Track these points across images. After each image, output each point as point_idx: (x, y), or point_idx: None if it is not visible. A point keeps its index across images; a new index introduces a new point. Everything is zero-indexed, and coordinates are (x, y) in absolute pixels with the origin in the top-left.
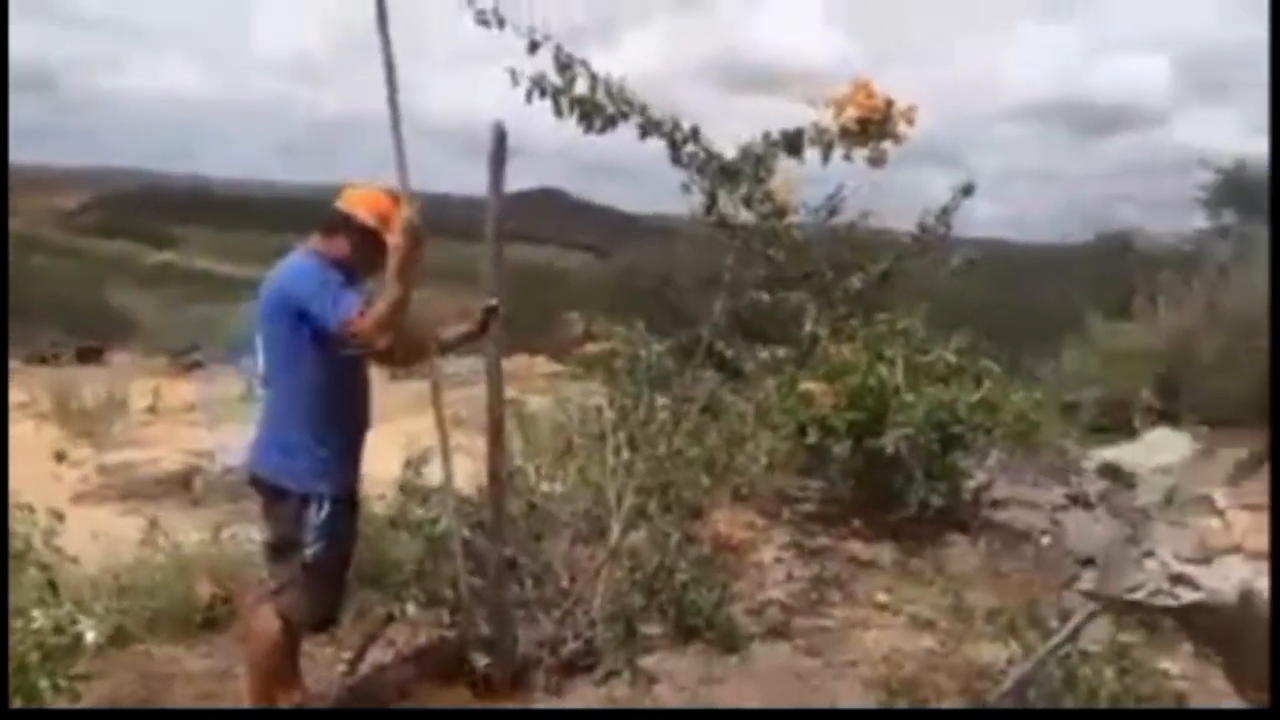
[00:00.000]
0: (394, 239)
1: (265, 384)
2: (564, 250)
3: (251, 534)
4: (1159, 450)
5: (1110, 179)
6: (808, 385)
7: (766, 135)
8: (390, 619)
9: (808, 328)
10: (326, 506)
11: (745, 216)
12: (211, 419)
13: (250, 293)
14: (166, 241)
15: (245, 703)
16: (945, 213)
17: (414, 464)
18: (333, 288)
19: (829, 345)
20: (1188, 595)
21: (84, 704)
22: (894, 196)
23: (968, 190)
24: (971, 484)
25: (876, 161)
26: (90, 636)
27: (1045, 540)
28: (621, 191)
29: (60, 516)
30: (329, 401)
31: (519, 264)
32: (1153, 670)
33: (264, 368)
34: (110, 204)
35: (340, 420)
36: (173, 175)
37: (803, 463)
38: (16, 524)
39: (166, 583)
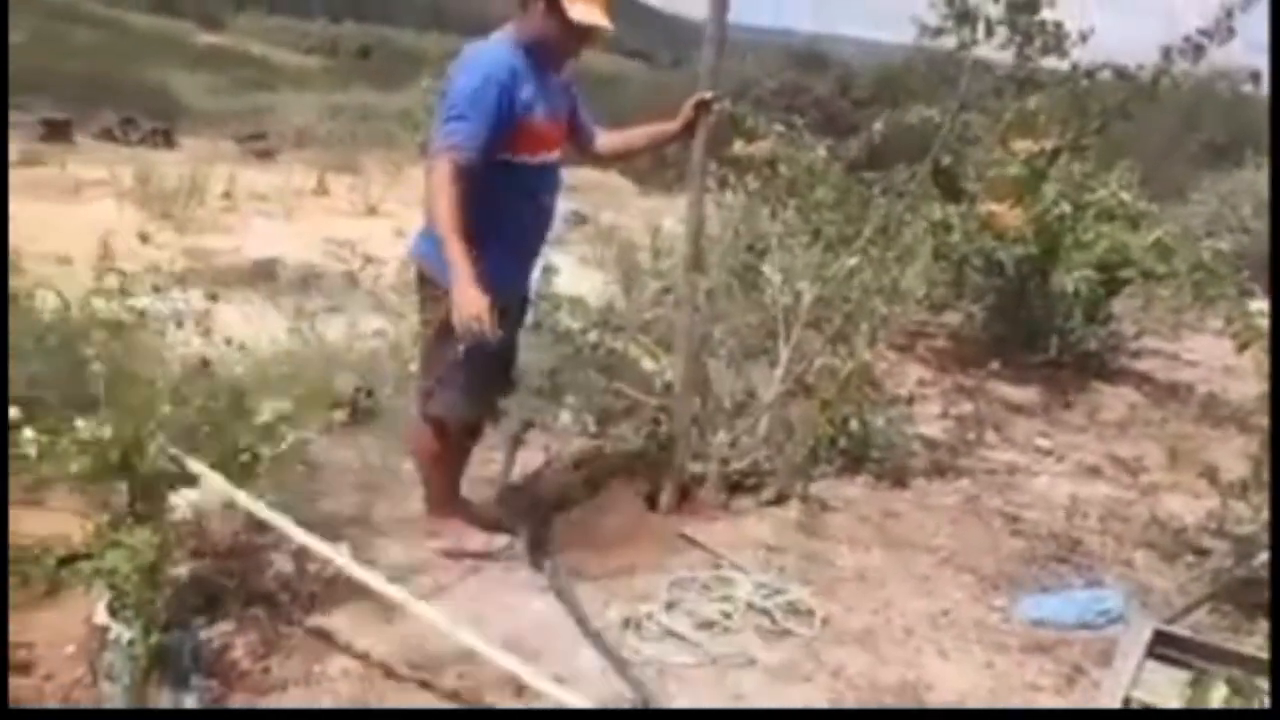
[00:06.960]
0: None
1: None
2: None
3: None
4: None
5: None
6: (991, 207)
7: None
8: (530, 424)
9: (1047, 144)
10: None
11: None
12: (285, 210)
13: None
14: (213, 23)
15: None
16: (1229, 15)
17: (546, 273)
18: (462, 105)
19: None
20: None
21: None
22: None
23: None
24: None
25: None
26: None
27: None
28: None
29: (214, 297)
30: (480, 203)
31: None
32: None
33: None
34: None
35: (495, 225)
36: None
37: (938, 296)
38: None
39: (312, 374)
